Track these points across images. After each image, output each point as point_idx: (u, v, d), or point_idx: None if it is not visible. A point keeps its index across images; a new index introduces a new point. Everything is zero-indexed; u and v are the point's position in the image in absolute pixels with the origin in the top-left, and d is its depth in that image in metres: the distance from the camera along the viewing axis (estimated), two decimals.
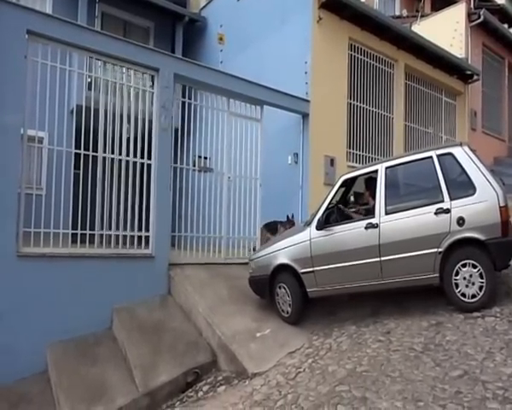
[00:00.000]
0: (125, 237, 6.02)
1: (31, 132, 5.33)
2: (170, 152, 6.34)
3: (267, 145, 7.61)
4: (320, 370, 4.18)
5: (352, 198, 6.15)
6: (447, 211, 4.53)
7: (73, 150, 5.84)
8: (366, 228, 4.91)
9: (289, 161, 8.19)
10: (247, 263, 6.48)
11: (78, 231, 5.69)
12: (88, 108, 5.79)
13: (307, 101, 7.98)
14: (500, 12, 13.56)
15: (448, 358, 3.74)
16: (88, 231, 5.78)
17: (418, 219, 4.67)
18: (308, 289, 5.26)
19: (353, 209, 5.71)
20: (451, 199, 4.55)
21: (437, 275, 4.60)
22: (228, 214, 7.06)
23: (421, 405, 3.20)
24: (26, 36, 5.19)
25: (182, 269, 6.33)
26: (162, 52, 6.52)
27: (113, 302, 5.60)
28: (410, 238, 4.66)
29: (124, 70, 6.19)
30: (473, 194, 4.49)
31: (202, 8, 11.62)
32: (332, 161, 8.22)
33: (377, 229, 4.83)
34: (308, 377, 4.13)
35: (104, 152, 5.87)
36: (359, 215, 5.35)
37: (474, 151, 4.76)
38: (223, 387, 4.58)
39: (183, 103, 6.81)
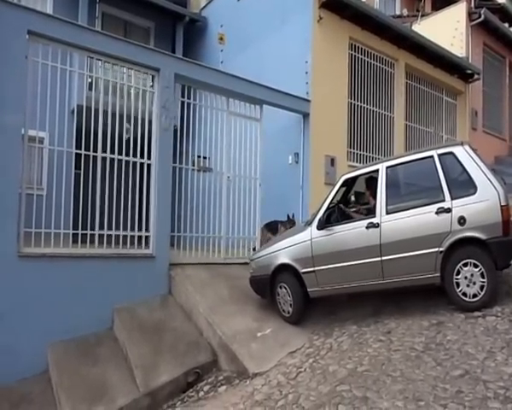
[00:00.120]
0: (125, 237, 6.02)
1: (31, 132, 5.34)
2: (170, 152, 6.34)
3: (268, 145, 7.61)
4: (321, 370, 4.18)
5: (352, 198, 6.15)
6: (448, 210, 4.53)
7: (74, 150, 5.84)
8: (367, 228, 4.90)
9: (290, 161, 8.19)
10: (247, 263, 6.48)
11: (79, 231, 5.70)
12: (88, 108, 5.79)
13: (308, 100, 7.97)
14: (501, 11, 13.53)
15: (449, 357, 3.74)
16: (89, 231, 5.78)
17: (419, 219, 4.67)
18: (309, 289, 5.26)
19: (354, 209, 5.71)
20: (452, 198, 4.54)
21: (438, 275, 4.60)
22: (227, 214, 7.06)
23: (422, 404, 3.19)
24: (27, 36, 5.19)
25: (182, 269, 6.33)
26: (163, 52, 6.53)
27: (113, 302, 5.60)
28: (411, 238, 4.65)
29: (124, 70, 6.19)
30: (474, 193, 4.49)
31: (203, 8, 11.62)
32: (332, 161, 8.22)
33: (378, 228, 4.83)
34: (309, 376, 4.12)
35: (105, 152, 5.88)
36: (360, 215, 5.35)
37: (475, 150, 4.75)
38: (223, 387, 4.57)
39: (183, 103, 6.81)
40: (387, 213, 4.85)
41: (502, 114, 13.47)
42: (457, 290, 4.51)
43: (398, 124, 9.73)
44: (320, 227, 5.19)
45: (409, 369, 3.71)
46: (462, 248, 4.50)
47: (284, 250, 5.45)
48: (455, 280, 4.51)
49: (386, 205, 4.89)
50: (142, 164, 6.14)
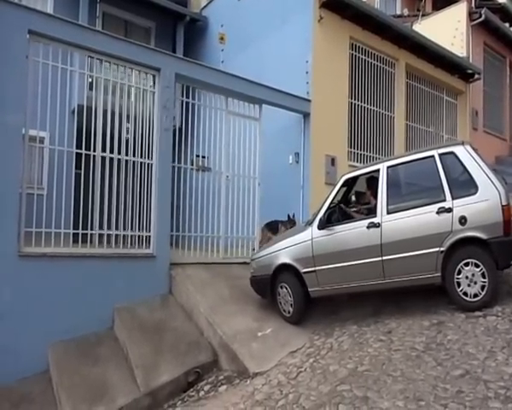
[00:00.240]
0: (126, 236, 6.02)
1: (32, 132, 5.34)
2: (171, 152, 6.34)
3: (268, 145, 7.61)
4: (321, 369, 4.18)
5: (353, 198, 6.14)
6: (449, 210, 4.53)
7: (74, 150, 5.83)
8: (368, 227, 4.90)
9: (290, 161, 8.18)
10: (247, 263, 6.48)
11: (80, 231, 5.70)
12: (89, 108, 5.79)
13: (308, 100, 7.97)
14: (501, 11, 13.52)
15: (449, 357, 3.73)
16: (89, 231, 5.79)
17: (420, 219, 4.67)
18: (310, 289, 5.25)
19: (355, 209, 5.71)
20: (453, 198, 4.54)
21: (439, 274, 4.59)
22: (226, 214, 7.05)
23: (422, 404, 3.19)
24: (28, 36, 5.19)
25: (183, 269, 6.33)
26: (163, 52, 6.53)
27: (114, 302, 5.61)
28: (412, 238, 4.65)
29: (125, 70, 6.19)
30: (475, 193, 4.48)
31: (203, 8, 11.61)
32: (333, 161, 8.21)
33: (379, 228, 4.83)
34: (309, 376, 4.12)
35: (105, 152, 5.88)
36: (361, 215, 5.35)
37: (475, 150, 4.75)
38: (224, 386, 4.57)
39: (181, 102, 6.81)
40: (388, 212, 4.85)
41: (502, 114, 13.46)
42: (458, 290, 4.51)
43: (398, 124, 9.72)
44: (321, 227, 5.18)
45: (409, 369, 3.71)
46: (463, 247, 4.50)
47: (285, 250, 5.45)
48: (456, 280, 4.51)
49: (387, 205, 4.89)
50: (142, 164, 6.15)
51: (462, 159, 4.66)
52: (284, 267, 5.41)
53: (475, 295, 4.44)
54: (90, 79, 6.89)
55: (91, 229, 5.81)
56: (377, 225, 4.84)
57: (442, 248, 4.53)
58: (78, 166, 5.83)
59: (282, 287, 5.42)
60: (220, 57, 9.84)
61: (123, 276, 5.74)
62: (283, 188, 8.04)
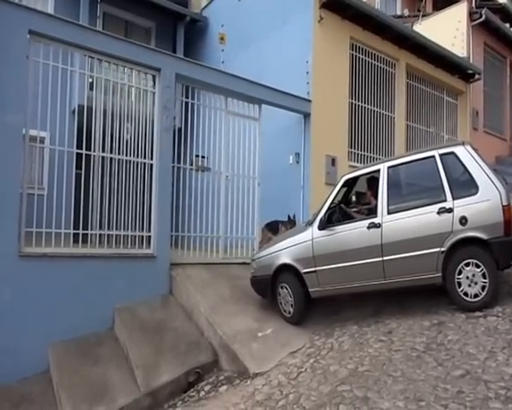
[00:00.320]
0: (126, 236, 6.02)
1: (32, 132, 5.35)
2: (171, 152, 6.34)
3: (268, 145, 7.60)
4: (322, 370, 4.18)
5: (353, 198, 6.14)
6: (450, 210, 4.52)
7: (75, 150, 5.83)
8: (368, 228, 4.90)
9: (291, 161, 8.18)
10: (247, 263, 6.48)
11: (80, 231, 5.70)
12: (89, 108, 5.80)
13: (308, 100, 7.97)
14: (501, 11, 13.52)
15: (450, 357, 3.73)
16: (89, 231, 5.79)
17: (421, 219, 4.66)
18: (310, 289, 5.25)
19: (355, 209, 5.71)
20: (454, 198, 4.54)
21: (439, 274, 4.59)
22: (226, 214, 7.05)
23: (422, 404, 3.19)
24: (28, 36, 5.19)
25: (183, 269, 6.33)
26: (164, 52, 6.53)
27: (114, 302, 5.61)
28: (413, 238, 4.65)
29: (125, 70, 6.19)
30: (475, 193, 4.48)
31: (204, 8, 11.62)
32: (333, 161, 8.21)
33: (379, 229, 4.82)
34: (310, 376, 4.12)
35: (105, 152, 5.88)
36: (361, 215, 5.35)
37: (476, 150, 4.75)
38: (224, 387, 4.57)
39: (181, 102, 6.80)
40: (389, 213, 4.85)
41: (503, 114, 13.45)
42: (459, 290, 4.50)
43: (399, 124, 9.72)
44: (321, 227, 5.18)
45: (410, 369, 3.70)
46: (464, 248, 4.50)
47: (285, 250, 5.45)
48: (456, 280, 4.51)
49: (388, 205, 4.89)
50: (142, 164, 6.15)
51: (463, 159, 4.66)
52: (285, 268, 5.41)
53: (476, 296, 4.44)
54: (90, 80, 6.89)
55: (92, 229, 5.81)
56: (378, 226, 4.84)
57: (443, 249, 4.53)
58: (78, 167, 5.83)
59: (282, 287, 5.42)
60: (220, 57, 9.83)
61: (123, 276, 5.74)
62: (284, 188, 8.04)
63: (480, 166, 4.58)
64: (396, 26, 9.30)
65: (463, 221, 4.46)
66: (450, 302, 4.66)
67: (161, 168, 6.19)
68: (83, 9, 9.48)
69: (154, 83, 6.35)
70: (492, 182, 4.47)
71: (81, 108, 5.87)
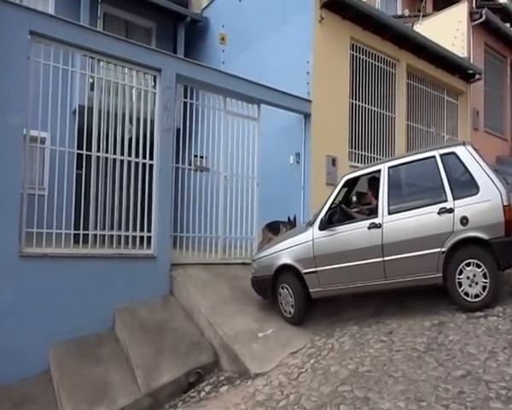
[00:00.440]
0: (127, 237, 6.02)
1: (33, 133, 5.35)
2: (172, 152, 6.34)
3: (269, 145, 7.60)
4: (322, 370, 4.18)
5: (354, 198, 6.14)
6: (450, 210, 4.52)
7: (75, 151, 5.84)
8: (369, 228, 4.89)
9: (291, 161, 8.18)
10: (246, 263, 6.48)
11: (81, 232, 5.71)
12: (90, 109, 5.79)
13: (309, 101, 7.97)
14: (502, 11, 13.51)
15: (451, 358, 3.73)
16: (90, 232, 5.79)
17: (421, 219, 4.66)
18: (311, 290, 5.25)
19: (356, 209, 5.70)
20: (455, 198, 4.54)
21: (440, 275, 4.59)
22: (224, 214, 7.04)
23: (423, 405, 3.18)
24: (29, 36, 5.20)
25: (183, 269, 6.33)
26: (164, 52, 6.53)
27: (115, 302, 5.60)
28: (414, 238, 4.65)
29: (126, 70, 6.20)
30: (476, 193, 4.48)
31: (204, 9, 11.62)
32: (334, 161, 8.21)
33: (380, 229, 4.82)
34: (310, 377, 4.12)
35: (106, 152, 5.88)
36: (362, 215, 5.35)
37: (477, 150, 4.75)
38: (225, 387, 4.57)
39: (181, 103, 6.80)
40: (389, 213, 4.85)
41: (503, 114, 13.45)
42: (459, 290, 4.50)
43: (399, 124, 9.72)
44: (322, 228, 5.18)
45: (410, 369, 3.70)
46: (465, 248, 4.49)
47: (286, 251, 5.44)
48: (457, 280, 4.50)
49: (388, 205, 4.88)
50: (143, 164, 6.15)
51: (464, 159, 4.66)
52: (285, 268, 5.40)
53: (476, 296, 4.44)
54: (91, 80, 6.90)
55: (92, 229, 5.81)
56: (378, 226, 4.84)
57: (443, 249, 4.53)
58: (79, 167, 5.84)
59: (283, 288, 5.42)
60: (221, 58, 9.84)
61: (124, 276, 5.74)
62: (284, 188, 8.04)
63: (480, 166, 4.58)
64: (396, 27, 9.30)
65: (464, 221, 4.46)
66: (450, 302, 4.66)
67: (162, 168, 6.19)
68: (83, 10, 9.48)
69: (155, 83, 6.36)
70: (493, 182, 4.47)
71: (82, 108, 5.87)
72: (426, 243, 4.58)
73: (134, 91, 6.28)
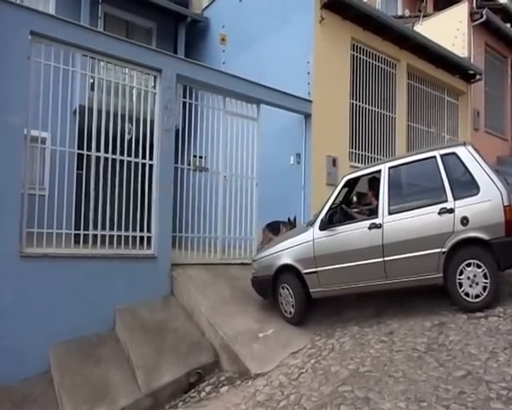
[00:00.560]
0: (127, 237, 6.02)
1: (34, 133, 5.35)
2: (172, 152, 6.34)
3: (269, 146, 7.60)
4: (323, 370, 4.17)
5: (354, 198, 6.14)
6: (451, 211, 4.52)
7: (76, 151, 5.85)
8: (369, 228, 4.89)
9: (291, 162, 8.19)
10: (246, 264, 6.48)
11: (81, 232, 5.71)
12: (90, 109, 5.79)
13: (309, 101, 7.97)
14: (502, 11, 13.51)
15: (451, 358, 3.73)
16: (90, 232, 5.79)
17: (422, 219, 4.66)
18: (311, 290, 5.25)
19: (356, 209, 5.70)
20: (455, 199, 4.54)
21: (441, 275, 4.59)
22: (224, 214, 7.04)
23: (424, 405, 3.18)
24: (30, 37, 5.20)
25: (184, 269, 6.33)
26: (165, 53, 6.53)
27: (115, 303, 5.61)
28: (414, 238, 4.64)
29: (126, 71, 6.20)
30: (476, 193, 4.48)
31: (204, 9, 11.63)
32: (334, 161, 8.21)
33: (380, 229, 4.82)
34: (311, 377, 4.12)
35: (106, 152, 5.88)
36: (362, 215, 5.35)
37: (477, 151, 4.75)
38: (225, 387, 4.57)
39: (180, 103, 6.81)
40: (390, 213, 4.85)
41: (504, 115, 13.44)
42: (460, 291, 4.50)
43: (399, 124, 9.72)
44: (322, 228, 5.18)
45: (411, 370, 3.70)
46: (465, 248, 4.49)
47: (286, 251, 5.44)
48: (457, 280, 4.50)
49: (389, 205, 4.88)
50: (143, 164, 6.15)
51: (464, 159, 4.65)
52: (286, 268, 5.40)
53: (477, 296, 4.44)
54: (91, 80, 6.90)
55: (93, 229, 5.81)
56: (379, 226, 4.84)
57: (444, 249, 4.53)
58: (79, 167, 5.84)
59: (283, 288, 5.42)
60: (221, 58, 9.84)
61: (124, 277, 5.74)
62: (284, 189, 8.04)
63: (481, 166, 4.57)
64: (397, 27, 9.30)
65: (464, 222, 4.46)
66: (451, 303, 4.66)
67: (162, 169, 6.19)
68: (84, 10, 9.49)
69: (155, 83, 6.36)
70: (494, 182, 4.47)
71: (82, 108, 5.88)
72: (426, 244, 4.58)
73: (134, 92, 6.29)
